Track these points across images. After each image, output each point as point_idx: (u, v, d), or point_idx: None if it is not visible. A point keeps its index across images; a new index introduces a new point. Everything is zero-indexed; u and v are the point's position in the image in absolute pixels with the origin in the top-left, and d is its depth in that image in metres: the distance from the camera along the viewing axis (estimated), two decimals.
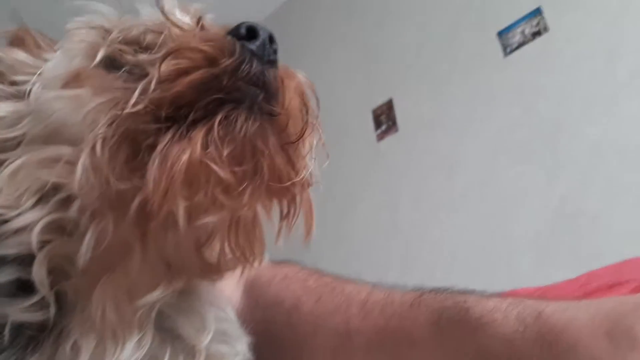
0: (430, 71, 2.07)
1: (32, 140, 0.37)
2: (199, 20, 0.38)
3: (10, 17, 0.44)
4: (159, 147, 0.31)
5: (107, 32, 0.39)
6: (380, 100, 2.23)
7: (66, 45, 0.41)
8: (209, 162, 0.32)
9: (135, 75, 0.35)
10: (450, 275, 1.78)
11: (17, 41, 0.44)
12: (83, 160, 0.33)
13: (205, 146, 0.32)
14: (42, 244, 0.35)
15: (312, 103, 0.39)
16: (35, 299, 0.35)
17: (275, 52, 0.36)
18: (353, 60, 2.40)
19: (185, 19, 0.39)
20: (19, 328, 0.35)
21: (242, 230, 0.39)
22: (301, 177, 0.37)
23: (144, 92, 0.32)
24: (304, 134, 0.37)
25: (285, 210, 0.39)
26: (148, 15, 0.41)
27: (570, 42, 1.71)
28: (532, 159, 1.71)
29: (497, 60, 1.87)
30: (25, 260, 0.35)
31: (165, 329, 0.39)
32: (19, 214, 0.35)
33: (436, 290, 0.48)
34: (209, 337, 0.39)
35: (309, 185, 0.39)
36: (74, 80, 0.38)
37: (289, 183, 0.36)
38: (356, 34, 2.41)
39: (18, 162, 0.36)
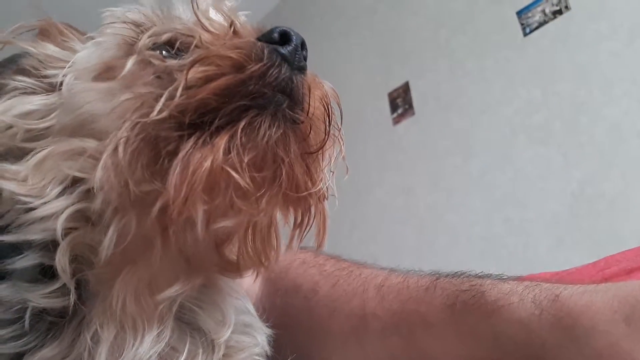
0: (448, 53, 2.04)
1: (60, 130, 0.38)
2: (231, 23, 0.38)
3: (31, 7, 0.44)
4: (181, 154, 0.32)
5: (141, 28, 0.40)
6: (396, 83, 2.21)
7: (99, 38, 0.42)
8: (229, 169, 0.32)
9: (164, 79, 0.35)
10: (466, 259, 1.77)
11: (43, 33, 0.44)
12: (105, 160, 0.33)
13: (227, 152, 0.32)
14: (67, 231, 0.36)
15: (335, 115, 0.39)
16: (56, 285, 0.35)
17: (305, 58, 0.36)
18: (369, 42, 2.37)
19: (217, 19, 0.39)
20: (39, 314, 0.36)
21: (259, 235, 0.39)
22: (318, 188, 0.37)
23: (170, 98, 0.33)
24: (324, 144, 0.37)
25: (299, 219, 0.39)
26: (182, 12, 0.41)
27: (592, 21, 1.67)
28: (550, 141, 1.69)
29: (516, 41, 1.84)
30: (49, 246, 0.36)
31: (186, 322, 0.40)
32: (44, 203, 0.35)
33: (452, 275, 0.48)
34: (229, 331, 0.40)
35: (325, 197, 0.39)
36: (105, 72, 0.38)
37: (305, 193, 0.36)
38: (372, 16, 2.38)
39: (44, 152, 0.37)
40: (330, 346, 0.52)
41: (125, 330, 0.36)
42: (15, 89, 0.40)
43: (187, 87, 0.33)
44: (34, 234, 0.36)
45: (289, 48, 0.35)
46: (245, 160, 0.32)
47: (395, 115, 2.19)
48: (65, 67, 0.40)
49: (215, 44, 0.36)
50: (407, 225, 2.03)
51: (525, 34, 1.83)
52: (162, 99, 0.33)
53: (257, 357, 0.42)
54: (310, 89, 0.36)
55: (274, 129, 0.33)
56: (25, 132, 0.38)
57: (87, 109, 0.37)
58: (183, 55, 0.36)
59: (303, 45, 0.36)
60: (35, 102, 0.39)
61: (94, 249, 0.36)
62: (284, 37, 0.35)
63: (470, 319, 0.43)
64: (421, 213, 2.00)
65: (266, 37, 0.35)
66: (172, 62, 0.36)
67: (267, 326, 0.45)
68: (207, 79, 0.33)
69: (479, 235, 1.80)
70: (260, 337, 0.43)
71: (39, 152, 0.37)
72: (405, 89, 2.17)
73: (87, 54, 0.41)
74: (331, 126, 0.38)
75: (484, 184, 1.83)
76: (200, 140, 0.32)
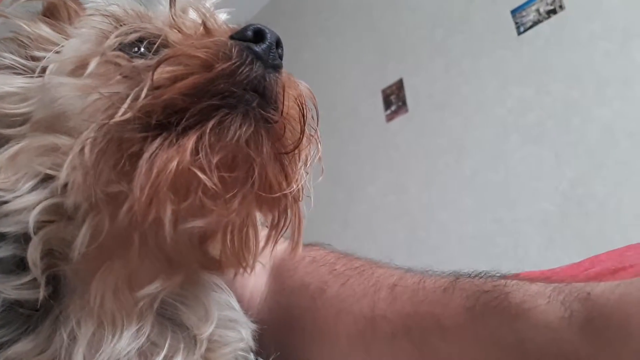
0: (442, 50, 2.04)
1: (36, 122, 0.37)
2: (203, 22, 0.37)
3: None
4: (145, 155, 0.31)
5: (120, 22, 0.39)
6: (390, 80, 2.20)
7: (82, 29, 0.41)
8: (196, 170, 0.31)
9: (132, 80, 0.34)
10: (456, 258, 1.78)
11: (50, 11, 0.43)
12: (71, 160, 0.33)
13: (194, 153, 0.31)
14: (41, 224, 0.35)
15: (312, 114, 0.38)
16: (28, 277, 0.35)
17: (280, 57, 0.35)
18: (363, 39, 2.37)
19: (193, 18, 0.39)
20: (11, 306, 0.35)
21: (236, 236, 0.38)
22: (293, 189, 0.37)
23: (135, 99, 0.32)
24: (300, 144, 0.36)
25: (274, 221, 0.38)
26: (164, 9, 0.40)
27: (586, 21, 1.67)
28: (542, 140, 1.69)
29: (510, 39, 1.84)
30: (25, 238, 0.36)
31: (167, 318, 0.39)
32: (16, 197, 0.35)
33: (474, 274, 0.44)
34: (212, 327, 0.39)
35: (300, 198, 0.38)
36: (81, 68, 0.37)
37: (279, 194, 0.36)
38: (367, 13, 2.37)
39: (17, 146, 0.36)
40: (335, 352, 0.48)
41: (104, 326, 0.36)
42: (4, 66, 0.40)
43: (154, 88, 0.32)
44: (7, 227, 0.35)
45: (263, 46, 0.34)
46: (214, 160, 0.32)
47: (388, 112, 2.18)
48: (52, 52, 0.40)
49: (184, 44, 0.35)
50: (398, 223, 2.03)
51: (519, 33, 1.83)
52: (128, 100, 0.32)
53: (241, 352, 0.42)
54: (285, 88, 0.35)
55: (245, 129, 0.33)
56: (2, 115, 0.38)
57: (61, 104, 0.36)
58: (152, 55, 0.36)
59: (278, 43, 0.35)
60: (17, 84, 0.39)
61: (70, 243, 0.35)
62: (258, 35, 0.34)
63: (491, 322, 0.39)
64: (413, 211, 2.00)
65: (239, 35, 0.34)
66: (138, 62, 0.35)
67: (264, 325, 0.44)
68: (174, 79, 0.32)
69: (470, 233, 1.80)
70: (245, 332, 0.42)
71: (13, 145, 0.36)
72: (399, 86, 2.16)
73: (70, 45, 0.40)
74: (306, 126, 0.37)
75: (476, 182, 1.83)
76: (167, 141, 0.31)
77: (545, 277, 0.70)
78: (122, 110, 0.32)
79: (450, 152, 1.93)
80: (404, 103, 2.13)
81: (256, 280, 0.54)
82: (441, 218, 1.90)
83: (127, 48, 0.37)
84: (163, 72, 0.32)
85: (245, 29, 0.35)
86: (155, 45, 0.36)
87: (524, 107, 1.76)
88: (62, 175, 0.33)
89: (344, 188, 2.16)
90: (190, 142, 0.31)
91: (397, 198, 2.06)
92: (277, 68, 0.35)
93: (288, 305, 0.52)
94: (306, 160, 0.38)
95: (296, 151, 0.36)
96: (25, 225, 0.35)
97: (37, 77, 0.39)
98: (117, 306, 0.36)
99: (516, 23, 1.84)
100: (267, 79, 0.34)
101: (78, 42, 0.40)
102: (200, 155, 0.31)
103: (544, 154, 1.68)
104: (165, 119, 0.32)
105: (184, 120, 0.32)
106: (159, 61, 0.33)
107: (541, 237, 1.63)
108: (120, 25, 0.38)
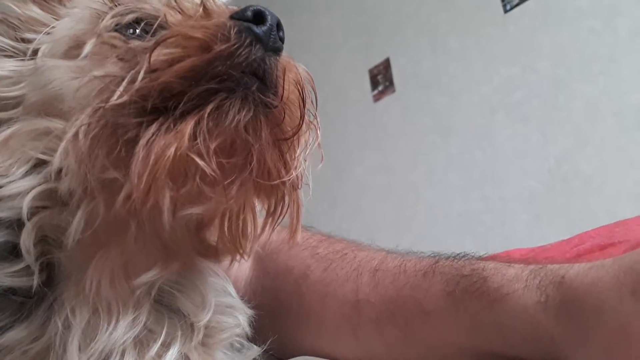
0: (428, 29, 2.03)
1: (29, 106, 0.36)
2: (202, 2, 0.36)
3: None
4: (142, 142, 0.30)
5: (115, 2, 0.37)
6: (377, 59, 2.19)
7: (74, 9, 0.40)
8: (194, 156, 0.31)
9: (128, 62, 0.33)
10: (444, 236, 1.80)
11: None
12: (64, 146, 0.32)
13: (192, 138, 0.30)
14: (34, 210, 0.35)
15: (311, 99, 0.37)
16: (22, 264, 0.34)
17: (282, 40, 0.34)
18: (350, 18, 2.34)
19: (191, 0, 0.37)
20: (5, 293, 0.35)
21: (234, 222, 0.38)
22: (292, 176, 0.36)
23: (131, 82, 0.31)
24: (299, 130, 0.36)
25: (272, 208, 0.38)
26: None
27: None
28: (528, 118, 1.70)
29: (497, 17, 1.83)
30: (18, 224, 0.35)
31: (164, 305, 0.39)
32: (9, 182, 0.34)
33: (453, 257, 0.44)
34: (209, 314, 0.39)
35: (298, 186, 0.37)
36: (75, 48, 0.36)
37: (278, 181, 0.35)
38: None
39: (9, 130, 0.35)
40: (323, 335, 0.49)
41: (99, 314, 0.35)
42: None
43: (151, 71, 0.31)
44: (1, 212, 0.35)
45: (264, 28, 0.33)
46: (212, 146, 0.31)
47: (375, 92, 2.18)
48: (43, 34, 0.38)
49: (183, 25, 0.34)
50: (386, 203, 2.04)
51: (505, 11, 1.82)
52: (124, 83, 0.31)
53: (237, 338, 0.42)
54: (285, 72, 0.34)
55: (244, 113, 0.32)
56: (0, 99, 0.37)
57: (54, 87, 0.35)
58: (149, 37, 0.34)
59: (279, 25, 0.34)
60: (8, 67, 0.38)
61: (64, 230, 0.35)
62: (258, 16, 0.33)
63: (471, 308, 0.39)
64: (400, 190, 2.01)
65: (239, 16, 0.33)
66: (135, 44, 0.34)
67: (252, 309, 0.44)
68: (172, 62, 0.31)
69: (457, 212, 1.82)
70: (241, 318, 0.42)
71: (5, 129, 0.35)
72: (386, 65, 2.15)
73: (62, 25, 0.39)
74: (306, 111, 0.36)
75: (463, 161, 1.84)
76: (164, 127, 0.30)
77: (535, 254, 0.71)
78: (117, 93, 0.31)
79: (437, 131, 1.93)
80: (391, 83, 2.12)
81: (240, 263, 0.54)
82: (428, 197, 1.91)
83: (124, 29, 0.36)
84: (160, 55, 0.31)
85: (245, 9, 0.33)
86: (153, 27, 0.34)
87: (510, 86, 1.76)
88: (56, 161, 0.32)
89: (331, 168, 2.16)
90: (188, 127, 0.30)
91: (385, 177, 2.07)
92: (277, 51, 0.34)
93: (273, 289, 0.52)
94: (305, 146, 0.37)
95: (295, 137, 0.36)
96: (18, 211, 0.34)
97: (28, 59, 0.38)
98: (113, 294, 0.35)
99: (502, 1, 1.83)
100: (267, 62, 0.33)
101: (71, 22, 0.39)
102: (199, 140, 0.31)
103: (530, 132, 1.69)
104: (161, 104, 0.31)
105: (182, 104, 0.31)
106: (156, 43, 0.32)
107: (527, 214, 1.65)
108: (116, 5, 0.37)
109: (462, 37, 1.92)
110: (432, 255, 0.46)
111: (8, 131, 0.35)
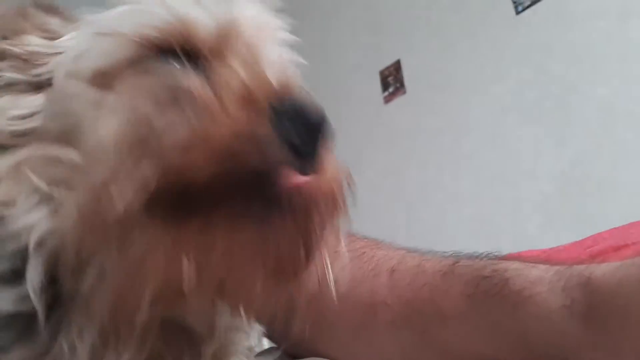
0: (439, 31, 2.02)
1: (43, 133, 0.32)
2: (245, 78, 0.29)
3: None
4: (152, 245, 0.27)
5: (162, 31, 0.32)
6: (388, 60, 2.19)
7: (103, 27, 0.34)
8: (190, 273, 0.27)
9: (181, 105, 0.27)
10: (455, 239, 1.78)
11: (19, 26, 0.36)
12: (68, 196, 0.29)
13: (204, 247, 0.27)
14: (43, 244, 0.31)
15: (346, 209, 0.34)
16: (26, 291, 0.30)
17: (325, 148, 0.29)
18: (360, 19, 2.34)
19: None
20: (8, 317, 0.31)
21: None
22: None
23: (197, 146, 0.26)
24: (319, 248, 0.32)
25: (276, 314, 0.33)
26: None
27: None
28: (541, 120, 1.69)
29: (508, 19, 1.82)
30: (23, 255, 0.31)
31: (173, 326, 0.35)
32: (16, 215, 0.30)
33: (474, 257, 0.42)
34: (218, 332, 0.37)
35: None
36: (103, 77, 0.31)
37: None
38: None
39: (17, 156, 0.32)
40: (338, 339, 0.46)
41: (107, 338, 0.32)
42: (7, 84, 0.34)
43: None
44: (5, 244, 0.31)
45: (308, 144, 0.27)
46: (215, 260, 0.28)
47: (386, 93, 2.17)
48: (51, 61, 0.34)
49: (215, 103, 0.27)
50: (397, 205, 2.03)
51: (517, 12, 1.81)
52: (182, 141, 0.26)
53: (247, 352, 0.40)
54: (322, 194, 0.30)
55: (262, 231, 0.28)
56: (9, 133, 0.33)
57: (75, 117, 0.31)
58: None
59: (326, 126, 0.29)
60: (24, 105, 0.33)
61: (74, 271, 0.31)
62: (306, 130, 0.28)
63: (491, 312, 0.37)
64: (411, 192, 2.00)
65: (282, 109, 0.27)
66: (193, 82, 0.28)
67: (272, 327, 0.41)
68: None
69: (469, 214, 1.81)
70: (252, 334, 0.40)
71: (13, 153, 0.32)
72: (397, 67, 2.15)
73: (83, 45, 0.34)
74: (336, 222, 0.33)
75: (475, 163, 1.83)
76: (188, 231, 0.27)
77: (548, 256, 0.71)
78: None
79: (449, 133, 1.92)
80: (402, 84, 2.12)
81: None
82: (440, 199, 1.90)
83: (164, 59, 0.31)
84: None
85: (293, 104, 0.28)
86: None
87: (522, 87, 1.75)
88: (59, 200, 0.29)
89: None
90: (200, 230, 0.27)
91: (395, 180, 2.06)
92: (314, 166, 0.28)
93: None
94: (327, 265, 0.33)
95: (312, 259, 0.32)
96: (24, 244, 0.30)
97: (44, 91, 0.34)
98: (122, 318, 0.32)
99: (514, 2, 1.82)
100: (302, 194, 0.28)
101: (104, 44, 0.33)
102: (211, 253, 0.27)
103: (543, 134, 1.68)
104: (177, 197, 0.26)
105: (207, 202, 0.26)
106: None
107: (540, 216, 1.63)
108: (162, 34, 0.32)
109: (473, 39, 1.91)
110: (452, 254, 0.44)
111: (16, 156, 0.32)
